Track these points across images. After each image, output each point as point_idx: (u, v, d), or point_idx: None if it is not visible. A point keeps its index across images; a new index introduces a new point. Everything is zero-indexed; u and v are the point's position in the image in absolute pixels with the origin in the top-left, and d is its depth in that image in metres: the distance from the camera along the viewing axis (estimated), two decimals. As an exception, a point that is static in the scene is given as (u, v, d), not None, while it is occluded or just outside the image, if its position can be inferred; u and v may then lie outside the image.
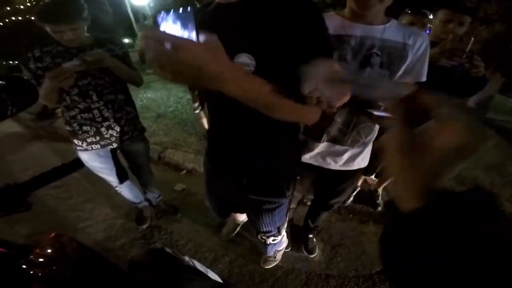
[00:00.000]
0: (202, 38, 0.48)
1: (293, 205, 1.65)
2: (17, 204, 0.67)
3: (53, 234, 0.82)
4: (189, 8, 0.46)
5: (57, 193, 2.34)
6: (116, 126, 1.48)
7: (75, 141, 1.46)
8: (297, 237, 1.88)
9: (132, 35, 10.39)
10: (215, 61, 0.49)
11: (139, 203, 1.99)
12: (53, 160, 3.42)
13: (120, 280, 0.81)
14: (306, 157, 1.24)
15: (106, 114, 1.42)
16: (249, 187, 1.01)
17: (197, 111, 2.19)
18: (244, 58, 0.68)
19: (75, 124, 1.41)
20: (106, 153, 1.58)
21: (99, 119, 1.42)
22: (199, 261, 0.96)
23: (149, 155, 1.80)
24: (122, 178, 1.75)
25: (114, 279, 0.81)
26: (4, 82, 0.69)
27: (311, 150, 1.20)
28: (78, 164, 0.75)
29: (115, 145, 1.53)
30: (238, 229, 1.92)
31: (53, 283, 0.69)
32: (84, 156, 1.49)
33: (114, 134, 1.49)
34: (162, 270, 0.83)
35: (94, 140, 1.46)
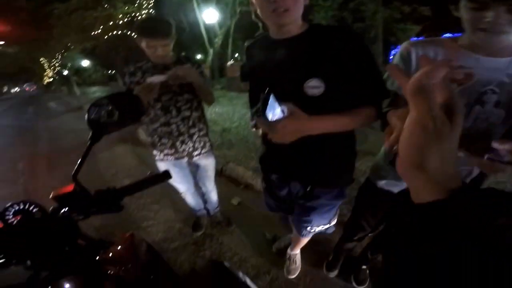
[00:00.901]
0: (286, 110, 0.78)
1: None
2: (112, 206, 0.76)
3: (129, 234, 0.90)
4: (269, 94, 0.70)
5: (132, 191, 2.68)
6: (189, 142, 1.62)
7: (154, 151, 1.66)
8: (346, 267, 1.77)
9: (204, 51, 11.38)
10: (301, 121, 0.81)
11: (198, 210, 2.14)
12: (132, 162, 3.97)
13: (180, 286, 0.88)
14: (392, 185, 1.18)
15: (182, 129, 1.56)
16: (313, 194, 1.16)
17: (253, 129, 2.26)
18: (315, 82, 0.88)
19: (156, 136, 1.58)
20: (180, 164, 1.73)
21: (176, 134, 1.56)
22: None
23: (214, 169, 1.94)
24: (189, 186, 1.92)
25: (173, 285, 0.87)
26: (113, 96, 0.81)
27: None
28: (167, 175, 0.82)
29: (186, 158, 1.69)
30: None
31: (123, 282, 0.76)
32: (161, 165, 1.69)
33: (186, 149, 1.63)
34: (221, 283, 0.88)
35: (170, 152, 1.62)
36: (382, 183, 1.19)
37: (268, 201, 1.43)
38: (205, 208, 2.19)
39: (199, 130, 1.64)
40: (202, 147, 1.70)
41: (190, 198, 2.01)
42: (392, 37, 17.22)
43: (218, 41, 9.56)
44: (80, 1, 17.65)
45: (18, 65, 26.82)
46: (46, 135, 7.07)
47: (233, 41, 11.81)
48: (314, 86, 0.88)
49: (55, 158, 4.70)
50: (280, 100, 0.77)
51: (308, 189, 1.16)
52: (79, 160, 0.74)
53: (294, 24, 0.91)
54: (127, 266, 0.81)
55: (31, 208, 0.66)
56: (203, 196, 2.12)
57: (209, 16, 9.62)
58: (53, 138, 6.47)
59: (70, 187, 0.72)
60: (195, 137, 1.63)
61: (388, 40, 16.71)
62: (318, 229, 1.33)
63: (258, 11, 0.90)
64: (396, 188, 1.15)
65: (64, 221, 0.69)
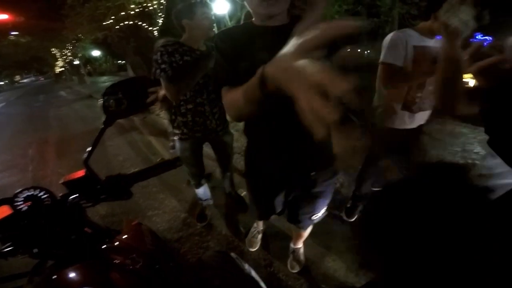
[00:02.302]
0: None
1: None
2: (122, 192, 0.76)
3: (135, 222, 0.88)
4: None
5: (138, 180, 2.71)
6: (214, 120, 1.74)
7: (184, 129, 1.72)
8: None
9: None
10: None
11: (205, 200, 2.14)
12: (140, 151, 3.98)
13: (184, 276, 0.87)
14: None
15: (209, 109, 1.69)
16: (317, 179, 1.16)
17: None
18: None
19: (189, 115, 1.67)
20: (199, 146, 1.85)
21: (207, 113, 1.69)
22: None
23: (233, 146, 2.01)
24: (202, 171, 1.99)
25: (178, 275, 0.85)
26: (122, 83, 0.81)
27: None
28: (176, 163, 0.82)
29: (213, 135, 1.81)
30: (260, 236, 1.93)
31: (128, 271, 0.74)
32: (184, 145, 1.77)
33: (213, 126, 1.75)
34: (228, 274, 0.86)
35: (199, 129, 1.72)
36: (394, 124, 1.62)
37: (260, 209, 1.40)
38: (222, 187, 2.24)
39: (220, 109, 1.74)
40: (223, 123, 1.83)
41: (199, 185, 2.03)
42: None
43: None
44: None
45: (30, 55, 27.22)
46: (56, 122, 7.22)
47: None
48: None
49: (65, 145, 4.78)
50: None
51: (312, 174, 1.14)
52: (91, 146, 0.73)
53: (282, 15, 0.90)
54: (132, 255, 0.78)
55: (41, 194, 0.65)
56: (223, 173, 2.17)
57: (220, 7, 9.55)
58: (63, 126, 6.59)
59: (81, 173, 0.71)
60: (217, 115, 1.75)
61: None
62: (319, 215, 1.33)
63: (247, 1, 0.89)
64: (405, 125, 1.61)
65: (73, 208, 0.69)
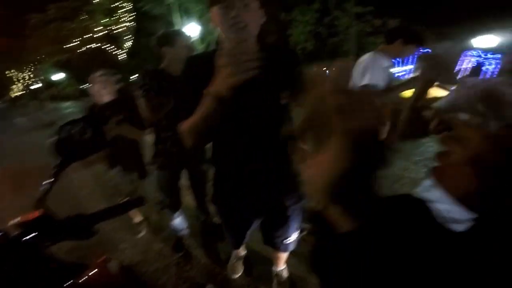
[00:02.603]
0: None
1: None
2: (83, 232, 0.73)
3: (103, 258, 0.85)
4: None
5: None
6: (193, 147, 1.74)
7: (162, 158, 1.72)
8: None
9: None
10: None
11: (181, 230, 2.07)
12: (106, 183, 3.74)
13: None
14: None
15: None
16: (284, 204, 1.18)
17: None
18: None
19: (169, 143, 1.67)
20: (177, 174, 1.85)
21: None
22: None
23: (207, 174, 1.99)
24: (179, 201, 1.97)
25: None
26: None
27: None
28: (141, 201, 0.81)
29: (192, 163, 1.83)
30: (241, 261, 1.89)
31: None
32: (163, 174, 1.78)
33: (192, 153, 1.76)
34: None
35: (178, 157, 1.71)
36: None
37: (233, 237, 1.43)
38: (201, 214, 2.17)
39: None
40: (202, 151, 1.81)
41: (177, 214, 1.98)
42: (363, 51, 18.27)
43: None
44: (59, 11, 17.23)
45: None
46: (12, 152, 6.64)
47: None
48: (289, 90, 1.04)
49: (22, 179, 4.35)
50: (259, 106, 0.95)
51: (282, 194, 1.17)
52: (46, 187, 0.73)
53: (251, 41, 0.94)
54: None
55: None
56: (199, 203, 2.12)
57: (191, 30, 9.66)
58: (20, 158, 6.06)
59: (36, 213, 0.69)
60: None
61: (361, 53, 17.71)
62: (292, 238, 1.35)
63: (219, 26, 0.93)
64: None
65: (30, 248, 0.66)
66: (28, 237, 0.65)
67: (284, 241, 1.34)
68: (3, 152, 6.81)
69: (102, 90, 1.80)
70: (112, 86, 1.84)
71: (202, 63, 0.99)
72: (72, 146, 0.79)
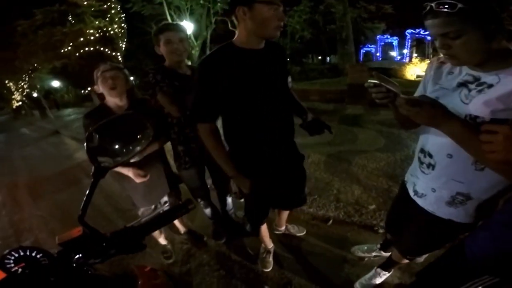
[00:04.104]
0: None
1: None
2: (133, 246, 0.70)
3: (148, 269, 0.86)
4: None
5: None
6: None
7: (186, 158, 1.73)
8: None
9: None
10: None
11: (216, 217, 2.18)
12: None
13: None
14: None
15: None
16: (299, 160, 1.53)
17: None
18: (289, 78, 1.53)
19: (189, 142, 1.69)
20: (203, 170, 1.88)
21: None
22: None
23: None
24: (208, 192, 2.03)
25: None
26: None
27: None
28: (189, 205, 0.76)
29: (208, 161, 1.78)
30: (271, 255, 1.95)
31: None
32: (190, 173, 1.80)
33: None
34: None
35: (200, 154, 1.71)
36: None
37: (258, 213, 1.60)
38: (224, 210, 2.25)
39: None
40: None
41: (208, 204, 2.07)
42: (362, 36, 18.00)
43: (195, 52, 9.49)
44: (47, 17, 16.87)
45: None
46: (23, 163, 6.68)
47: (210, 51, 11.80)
48: (289, 81, 1.36)
49: (37, 187, 4.48)
50: (273, 95, 1.21)
51: (297, 158, 1.51)
52: (84, 201, 0.66)
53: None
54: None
55: (33, 254, 0.58)
56: (221, 198, 2.20)
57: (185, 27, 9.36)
58: (31, 167, 6.11)
59: (76, 231, 0.64)
60: None
61: (359, 39, 17.47)
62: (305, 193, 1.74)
63: (256, 23, 1.05)
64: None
65: (78, 267, 0.62)
66: (76, 258, 0.62)
67: (303, 195, 1.70)
68: (13, 164, 6.86)
69: (111, 89, 1.47)
70: (123, 82, 1.53)
71: (220, 63, 1.11)
72: (107, 152, 0.72)
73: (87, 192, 0.66)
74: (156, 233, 2.02)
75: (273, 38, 1.12)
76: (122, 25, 17.35)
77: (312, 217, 2.36)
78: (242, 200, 2.54)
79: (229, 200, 2.25)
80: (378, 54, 17.09)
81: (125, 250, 0.68)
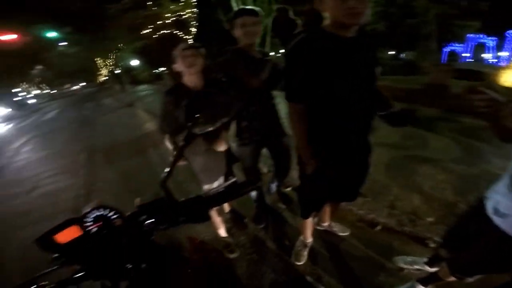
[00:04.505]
0: None
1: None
2: (199, 217, 0.71)
3: (198, 241, 0.93)
4: None
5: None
6: (274, 122, 1.86)
7: (245, 134, 1.79)
8: None
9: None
10: None
11: (260, 201, 2.24)
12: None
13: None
14: None
15: (269, 112, 1.81)
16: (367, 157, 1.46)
17: None
18: (379, 68, 1.32)
19: (251, 118, 1.75)
20: (259, 150, 1.92)
21: (267, 116, 1.79)
22: None
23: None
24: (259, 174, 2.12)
25: None
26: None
27: None
28: (255, 183, 0.77)
29: (272, 139, 1.90)
30: (307, 250, 1.90)
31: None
32: (245, 150, 1.85)
33: (273, 128, 1.87)
34: None
35: (260, 132, 1.79)
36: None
37: (318, 198, 1.60)
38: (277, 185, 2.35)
39: (277, 113, 1.88)
40: (281, 127, 1.92)
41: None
42: (449, 34, 15.76)
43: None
44: (132, 0, 19.07)
45: (78, 64, 29.82)
46: (103, 128, 7.83)
47: (270, 39, 11.76)
48: (379, 72, 1.28)
49: (111, 152, 5.13)
50: (361, 84, 1.19)
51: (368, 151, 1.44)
52: (169, 166, 0.68)
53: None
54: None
55: (110, 214, 0.61)
56: (278, 176, 2.26)
57: None
58: (109, 132, 7.07)
59: (157, 197, 0.68)
60: (277, 119, 1.89)
61: (445, 37, 15.35)
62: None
63: (328, 8, 1.05)
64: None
65: (147, 232, 0.64)
66: (148, 222, 0.64)
67: (359, 191, 1.64)
68: (95, 128, 8.13)
69: (190, 67, 1.54)
70: (201, 61, 1.57)
71: (311, 47, 1.13)
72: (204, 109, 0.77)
73: (173, 157, 0.70)
74: (217, 223, 2.01)
75: (350, 25, 1.08)
76: (194, 10, 18.54)
77: (360, 219, 2.21)
78: (289, 189, 2.62)
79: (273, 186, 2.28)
80: (466, 55, 14.86)
81: (193, 219, 0.69)
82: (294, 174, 2.02)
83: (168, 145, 1.67)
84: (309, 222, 1.79)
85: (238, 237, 2.17)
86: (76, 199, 3.42)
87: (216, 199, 0.72)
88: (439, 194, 2.37)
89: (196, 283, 0.80)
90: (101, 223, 0.59)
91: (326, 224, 2.07)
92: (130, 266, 0.61)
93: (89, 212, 0.60)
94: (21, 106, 24.98)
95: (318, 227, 2.09)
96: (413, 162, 3.02)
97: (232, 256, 1.96)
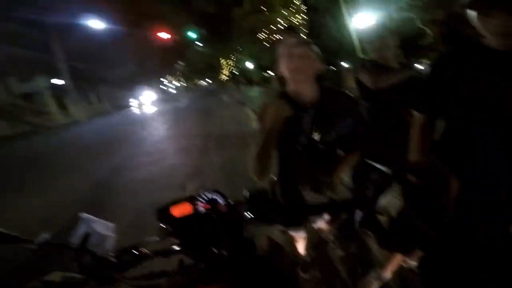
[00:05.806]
0: None
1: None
2: (295, 221, 0.73)
3: (276, 244, 0.80)
4: None
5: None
6: None
7: None
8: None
9: (352, 59, 9.77)
10: None
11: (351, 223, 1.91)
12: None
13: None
14: None
15: None
16: None
17: None
18: None
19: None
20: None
21: None
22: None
23: None
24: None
25: None
26: None
27: None
28: (356, 206, 0.69)
29: None
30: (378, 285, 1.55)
31: None
32: None
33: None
34: None
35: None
36: None
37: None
38: None
39: None
40: None
41: None
42: None
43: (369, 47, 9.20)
44: (252, 5, 20.59)
45: (207, 62, 34.75)
46: (216, 120, 9.32)
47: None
48: None
49: (221, 140, 5.94)
50: None
51: None
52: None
53: None
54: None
55: (220, 200, 0.63)
56: None
57: (361, 20, 9.23)
58: (221, 124, 8.32)
59: (263, 193, 0.66)
60: None
61: None
62: None
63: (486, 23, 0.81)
64: None
65: (242, 222, 0.64)
66: (247, 213, 0.63)
67: None
68: (214, 119, 9.51)
69: (297, 70, 1.09)
70: (314, 64, 1.11)
71: (458, 60, 0.94)
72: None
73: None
74: (299, 236, 1.66)
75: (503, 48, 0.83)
76: (303, 16, 18.90)
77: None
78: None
79: None
80: None
81: (288, 222, 0.71)
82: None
83: None
84: (397, 256, 1.46)
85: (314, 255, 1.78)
86: (183, 176, 3.91)
87: (316, 209, 0.73)
88: None
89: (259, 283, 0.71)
90: (209, 206, 0.62)
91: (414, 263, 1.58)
92: (215, 250, 0.61)
93: (202, 193, 0.63)
94: (164, 93, 31.28)
95: (404, 264, 1.56)
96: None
97: (302, 275, 1.61)
